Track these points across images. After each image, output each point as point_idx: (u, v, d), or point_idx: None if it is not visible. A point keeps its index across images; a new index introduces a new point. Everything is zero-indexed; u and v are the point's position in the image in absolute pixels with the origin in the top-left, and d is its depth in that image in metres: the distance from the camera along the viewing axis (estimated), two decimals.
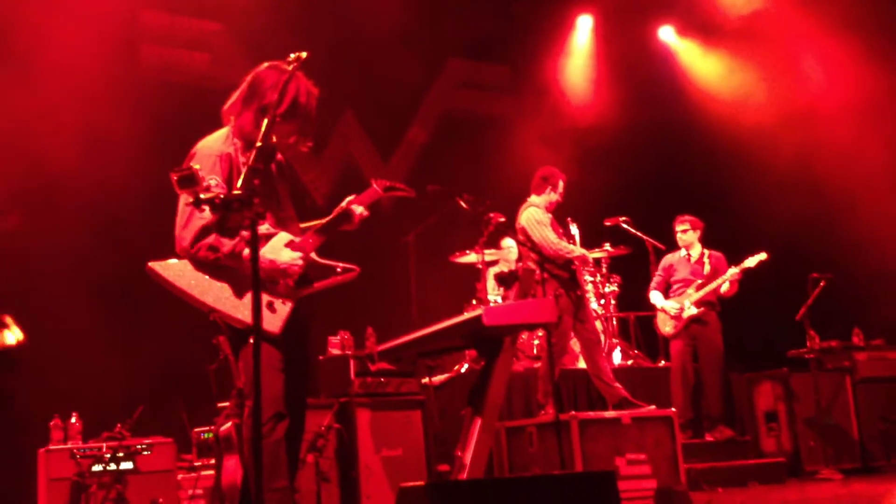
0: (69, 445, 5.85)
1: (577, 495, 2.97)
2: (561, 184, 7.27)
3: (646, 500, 5.95)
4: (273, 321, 3.62)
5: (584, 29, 11.66)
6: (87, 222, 7.80)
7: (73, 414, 6.10)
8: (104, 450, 5.78)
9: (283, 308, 3.67)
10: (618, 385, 7.01)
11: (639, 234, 8.61)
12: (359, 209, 4.01)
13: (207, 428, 6.35)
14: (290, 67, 3.50)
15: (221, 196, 3.10)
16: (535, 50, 11.34)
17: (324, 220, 3.98)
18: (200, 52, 9.47)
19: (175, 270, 3.58)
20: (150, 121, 8.24)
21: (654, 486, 6.26)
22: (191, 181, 3.15)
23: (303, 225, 4.00)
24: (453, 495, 2.83)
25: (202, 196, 3.13)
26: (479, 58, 11.50)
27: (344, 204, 4.02)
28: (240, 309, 3.56)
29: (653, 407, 6.84)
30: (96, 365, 7.44)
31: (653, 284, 8.14)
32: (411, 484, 2.94)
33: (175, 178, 3.14)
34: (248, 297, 3.56)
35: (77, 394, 6.77)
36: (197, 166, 3.15)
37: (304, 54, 3.50)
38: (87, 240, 7.70)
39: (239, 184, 3.16)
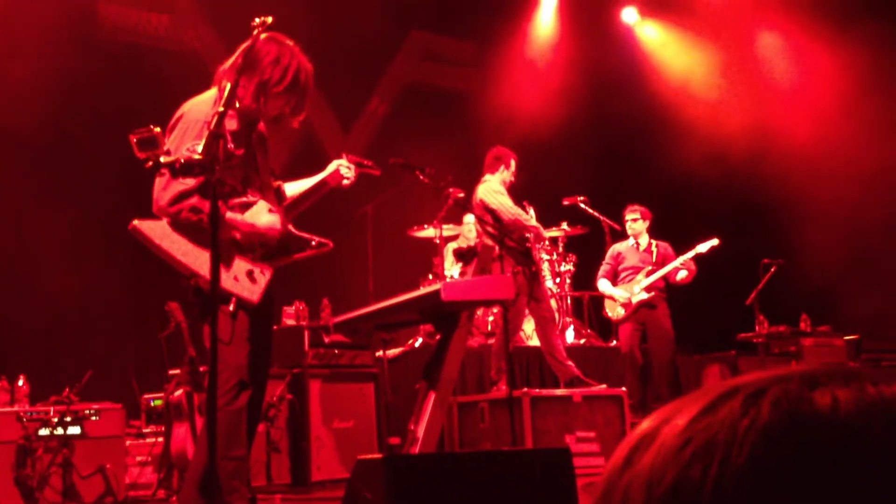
0: (16, 408, 5.76)
1: (534, 472, 2.99)
2: (513, 163, 7.30)
3: (594, 476, 6.03)
4: (253, 290, 3.60)
5: (548, 7, 11.65)
6: (43, 183, 7.65)
7: (21, 376, 6.00)
8: (52, 413, 5.70)
9: (262, 278, 3.64)
10: (570, 363, 7.07)
11: (596, 214, 8.66)
12: (349, 173, 3.98)
13: (158, 395, 6.30)
14: (255, 32, 3.46)
15: (182, 160, 3.07)
16: (500, 26, 11.30)
17: (305, 188, 3.99)
18: (159, 13, 9.29)
19: (160, 231, 3.52)
20: (107, 81, 8.10)
21: (603, 463, 6.35)
22: (150, 143, 3.09)
23: (287, 185, 4.02)
24: (410, 468, 2.84)
25: (162, 160, 3.08)
26: (443, 31, 11.43)
27: (321, 177, 4.01)
28: (223, 276, 3.52)
29: (604, 386, 6.92)
30: (46, 327, 7.33)
31: (601, 273, 8.21)
32: (368, 456, 2.94)
33: (134, 140, 3.08)
34: (233, 265, 3.55)
35: (25, 356, 6.67)
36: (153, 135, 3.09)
37: (269, 19, 3.45)
38: (41, 199, 7.56)
39: (199, 148, 3.12)
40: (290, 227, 3.81)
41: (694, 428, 0.60)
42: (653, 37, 11.65)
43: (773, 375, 0.61)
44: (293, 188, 4.05)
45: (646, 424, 0.65)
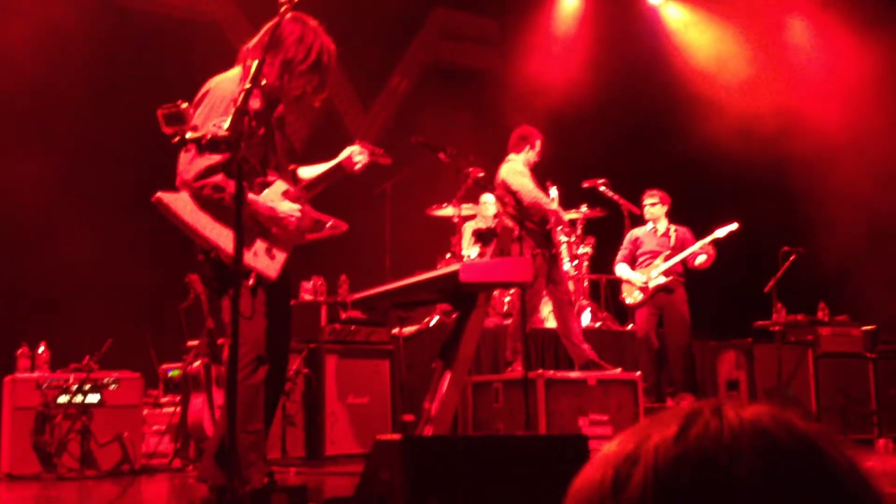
0: (35, 375, 5.83)
1: (550, 457, 3.00)
2: (538, 143, 7.26)
3: None
4: (272, 266, 3.65)
5: None
6: (66, 153, 7.69)
7: (41, 343, 6.06)
8: (71, 381, 5.77)
9: (280, 255, 3.69)
10: (586, 346, 7.07)
11: (616, 197, 8.62)
12: (362, 158, 4.00)
13: (176, 365, 6.36)
14: (282, 10, 3.47)
15: (208, 136, 3.08)
16: (523, 4, 11.23)
17: (320, 172, 4.01)
18: None
19: (183, 204, 3.56)
20: (127, 50, 8.12)
21: None
22: (177, 119, 3.11)
23: (302, 169, 4.04)
24: (427, 450, 2.86)
25: (188, 135, 3.10)
26: (465, 8, 11.37)
27: (335, 162, 4.04)
28: (245, 252, 3.56)
29: (618, 370, 6.92)
30: (67, 295, 7.39)
31: (619, 257, 8.18)
32: (386, 436, 2.96)
33: (162, 115, 3.10)
34: (254, 242, 3.61)
35: (46, 324, 6.73)
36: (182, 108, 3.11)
37: None
38: (62, 168, 7.60)
39: (225, 125, 3.14)
40: (308, 208, 3.85)
41: (685, 441, 0.63)
42: (678, 18, 11.55)
43: (699, 403, 0.72)
44: (308, 172, 4.08)
45: (614, 447, 0.67)
